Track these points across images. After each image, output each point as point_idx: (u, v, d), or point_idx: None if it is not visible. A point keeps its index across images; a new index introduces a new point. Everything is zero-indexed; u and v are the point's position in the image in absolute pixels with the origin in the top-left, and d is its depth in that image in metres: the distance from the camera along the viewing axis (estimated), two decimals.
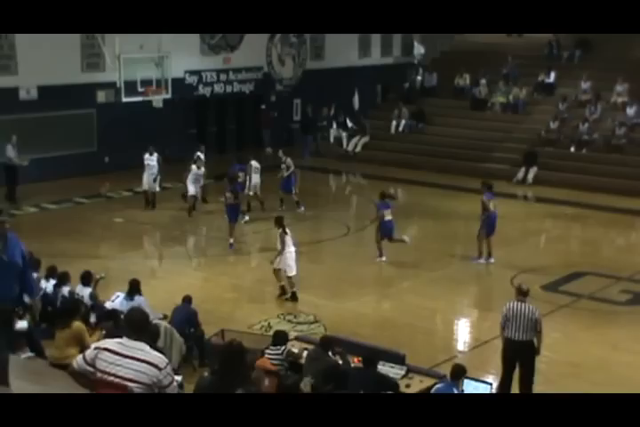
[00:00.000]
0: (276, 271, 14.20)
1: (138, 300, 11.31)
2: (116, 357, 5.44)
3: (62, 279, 12.23)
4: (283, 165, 20.22)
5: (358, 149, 27.60)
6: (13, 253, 7.20)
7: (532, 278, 15.39)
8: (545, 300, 14.43)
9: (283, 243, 13.97)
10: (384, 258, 16.41)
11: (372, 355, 9.29)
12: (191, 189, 19.76)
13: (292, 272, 14.09)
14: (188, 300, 11.80)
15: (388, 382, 9.06)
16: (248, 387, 5.51)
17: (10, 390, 6.83)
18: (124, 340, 5.50)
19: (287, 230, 14.11)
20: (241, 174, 19.52)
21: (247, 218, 19.18)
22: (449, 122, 27.52)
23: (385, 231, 16.37)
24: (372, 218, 20.16)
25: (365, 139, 27.71)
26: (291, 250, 14.06)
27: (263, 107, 28.20)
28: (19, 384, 7.05)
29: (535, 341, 10.40)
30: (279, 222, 14.20)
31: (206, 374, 6.04)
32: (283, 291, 14.17)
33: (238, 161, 20.45)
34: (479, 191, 17.00)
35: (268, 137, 28.09)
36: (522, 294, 10.42)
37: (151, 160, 20.28)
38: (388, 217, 16.34)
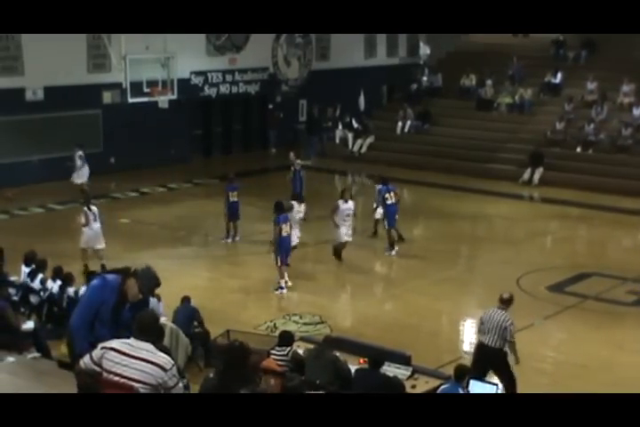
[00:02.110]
0: (83, 250, 14.98)
1: (153, 302, 11.30)
2: (123, 357, 5.46)
3: (67, 280, 12.25)
4: (292, 168, 19.80)
5: (364, 149, 27.58)
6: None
7: (538, 279, 15.39)
8: (551, 301, 14.42)
9: (87, 219, 15.09)
10: (229, 240, 17.61)
11: (378, 356, 9.27)
12: (343, 233, 16.20)
13: (102, 245, 15.17)
14: (187, 300, 11.84)
15: (395, 384, 9.03)
16: (252, 387, 5.51)
17: None
18: (132, 340, 5.53)
19: (92, 207, 15.26)
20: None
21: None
22: (454, 122, 27.48)
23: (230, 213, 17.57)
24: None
25: (370, 139, 27.69)
26: (97, 226, 15.18)
27: (271, 106, 28.19)
28: (24, 384, 7.05)
29: (508, 350, 10.25)
30: (85, 199, 15.71)
31: (211, 375, 6.02)
32: (86, 268, 14.50)
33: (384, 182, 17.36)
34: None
35: (274, 137, 28.12)
36: (501, 301, 10.40)
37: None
38: (234, 198, 17.60)
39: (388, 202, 16.87)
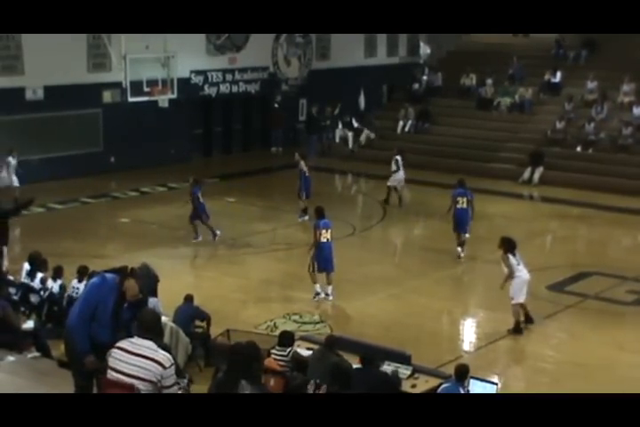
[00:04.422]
0: None
1: (152, 302, 11.29)
2: (125, 354, 5.57)
3: (82, 274, 12.17)
4: (298, 168, 19.57)
5: (356, 147, 27.58)
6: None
7: (538, 278, 15.36)
8: (551, 300, 14.43)
9: None
10: (200, 238, 17.45)
11: (372, 354, 9.27)
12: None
13: None
14: (190, 299, 11.83)
15: (391, 380, 9.05)
16: (260, 388, 5.54)
17: None
18: (135, 339, 5.61)
19: None
20: None
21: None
22: (454, 122, 27.48)
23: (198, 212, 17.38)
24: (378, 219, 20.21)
25: (364, 136, 27.67)
26: None
27: (276, 106, 28.14)
28: (24, 384, 7.06)
29: None
30: None
31: (220, 374, 6.05)
32: None
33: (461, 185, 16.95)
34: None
35: (277, 137, 28.06)
36: None
37: None
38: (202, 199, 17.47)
39: (458, 206, 16.53)
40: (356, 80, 28.99)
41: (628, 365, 11.84)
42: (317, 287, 14.16)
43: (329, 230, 14.10)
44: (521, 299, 12.88)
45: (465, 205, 16.50)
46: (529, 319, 13.12)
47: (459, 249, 16.52)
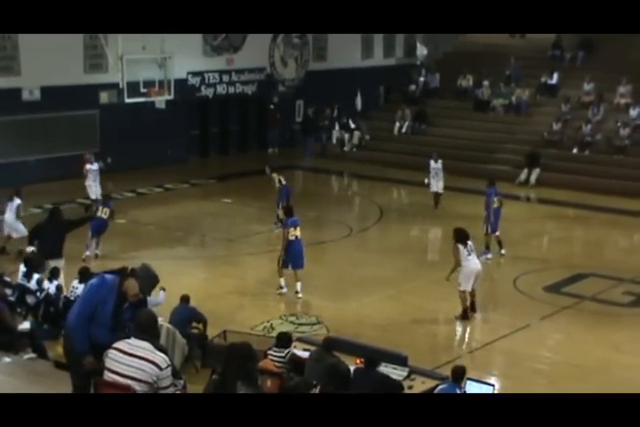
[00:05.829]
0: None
1: (149, 300, 11.27)
2: (121, 355, 5.58)
3: (83, 277, 12.15)
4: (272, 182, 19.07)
5: (347, 148, 27.60)
6: None
7: (534, 280, 15.42)
8: (547, 301, 14.44)
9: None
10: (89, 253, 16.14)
11: (375, 356, 9.28)
12: None
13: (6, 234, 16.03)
14: (186, 300, 11.81)
15: (392, 383, 9.05)
16: (256, 388, 5.54)
17: None
18: (132, 340, 5.61)
19: (15, 199, 16.11)
20: None
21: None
22: (451, 123, 27.49)
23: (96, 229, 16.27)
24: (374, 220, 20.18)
25: (356, 137, 27.70)
26: (5, 216, 16.02)
27: (272, 107, 28.14)
28: (20, 385, 7.05)
29: None
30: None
31: (215, 376, 6.05)
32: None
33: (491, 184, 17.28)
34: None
35: (276, 137, 28.04)
36: None
37: None
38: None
39: (495, 206, 16.80)
40: (353, 81, 28.99)
41: (625, 366, 11.85)
42: (282, 281, 14.45)
43: (297, 228, 14.39)
44: (468, 287, 13.33)
45: (497, 205, 16.82)
46: (473, 308, 13.56)
47: (502, 250, 16.79)
